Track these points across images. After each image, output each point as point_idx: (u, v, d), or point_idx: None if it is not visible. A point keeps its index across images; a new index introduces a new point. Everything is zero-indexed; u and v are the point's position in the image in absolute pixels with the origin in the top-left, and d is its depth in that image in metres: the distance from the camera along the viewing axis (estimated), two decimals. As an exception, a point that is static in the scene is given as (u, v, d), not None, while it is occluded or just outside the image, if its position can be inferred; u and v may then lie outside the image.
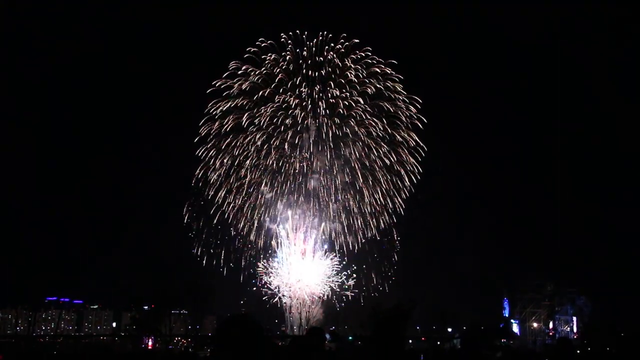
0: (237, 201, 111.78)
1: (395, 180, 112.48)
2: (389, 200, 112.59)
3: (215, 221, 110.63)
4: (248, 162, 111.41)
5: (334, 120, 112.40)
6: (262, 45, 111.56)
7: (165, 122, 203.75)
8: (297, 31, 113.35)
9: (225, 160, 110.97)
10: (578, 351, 71.66)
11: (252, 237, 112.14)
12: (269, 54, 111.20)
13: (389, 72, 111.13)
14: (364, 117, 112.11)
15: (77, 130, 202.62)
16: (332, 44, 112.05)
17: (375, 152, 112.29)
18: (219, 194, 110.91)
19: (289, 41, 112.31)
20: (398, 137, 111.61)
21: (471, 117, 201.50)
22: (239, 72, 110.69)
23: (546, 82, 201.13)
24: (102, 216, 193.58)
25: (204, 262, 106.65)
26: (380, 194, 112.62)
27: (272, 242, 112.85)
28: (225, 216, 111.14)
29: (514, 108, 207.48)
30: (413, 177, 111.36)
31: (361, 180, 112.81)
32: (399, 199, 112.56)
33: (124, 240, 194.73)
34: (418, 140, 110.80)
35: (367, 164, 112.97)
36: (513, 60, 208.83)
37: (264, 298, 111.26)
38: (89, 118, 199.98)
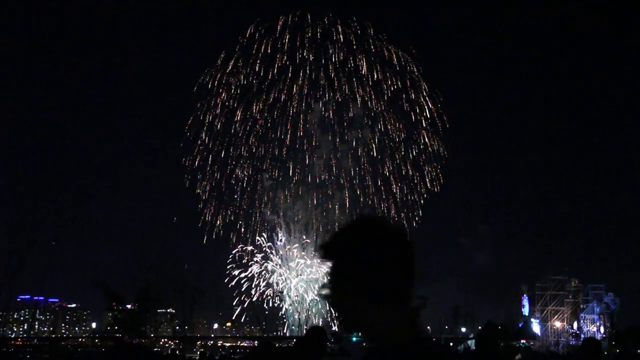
0: (227, 218, 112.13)
1: (412, 193, 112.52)
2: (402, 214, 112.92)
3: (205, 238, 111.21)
4: (239, 172, 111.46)
5: (342, 125, 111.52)
6: (257, 30, 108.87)
7: (153, 117, 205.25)
8: (298, 12, 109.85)
9: (214, 172, 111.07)
10: (606, 353, 71.96)
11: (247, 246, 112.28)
12: (265, 39, 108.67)
13: (408, 69, 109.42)
14: (379, 119, 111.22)
15: (52, 123, 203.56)
16: (340, 27, 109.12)
17: (389, 160, 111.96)
18: (206, 212, 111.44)
19: (288, 23, 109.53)
20: (419, 142, 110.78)
21: (489, 112, 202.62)
22: (229, 66, 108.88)
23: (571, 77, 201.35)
24: (81, 208, 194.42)
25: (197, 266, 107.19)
26: (394, 207, 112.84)
27: (272, 235, 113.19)
28: (215, 233, 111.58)
29: (535, 104, 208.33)
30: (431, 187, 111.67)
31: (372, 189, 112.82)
32: (415, 212, 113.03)
33: (105, 234, 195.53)
34: (439, 144, 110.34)
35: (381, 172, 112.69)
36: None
37: (256, 294, 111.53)
38: (69, 110, 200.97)
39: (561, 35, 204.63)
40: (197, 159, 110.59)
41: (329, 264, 1.99)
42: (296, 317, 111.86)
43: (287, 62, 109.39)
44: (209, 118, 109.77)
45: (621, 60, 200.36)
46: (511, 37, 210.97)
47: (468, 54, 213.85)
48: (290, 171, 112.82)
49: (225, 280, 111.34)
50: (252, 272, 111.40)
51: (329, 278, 1.99)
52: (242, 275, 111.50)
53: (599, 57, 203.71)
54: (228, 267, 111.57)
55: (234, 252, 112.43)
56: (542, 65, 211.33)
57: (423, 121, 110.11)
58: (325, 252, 2.03)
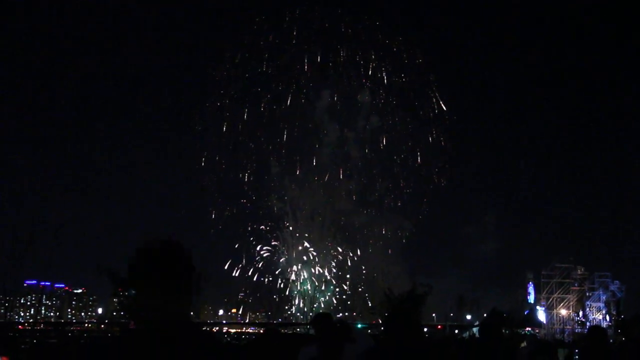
0: (235, 208, 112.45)
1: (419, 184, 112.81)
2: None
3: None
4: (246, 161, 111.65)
5: (350, 114, 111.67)
6: (265, 22, 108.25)
7: (160, 107, 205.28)
8: (305, 6, 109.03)
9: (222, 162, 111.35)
10: (612, 341, 72.04)
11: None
12: (272, 32, 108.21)
13: (417, 62, 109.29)
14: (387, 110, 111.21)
15: (58, 115, 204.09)
16: (347, 18, 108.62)
17: (397, 151, 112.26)
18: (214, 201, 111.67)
19: (296, 14, 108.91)
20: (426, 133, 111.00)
21: (494, 102, 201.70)
22: (236, 58, 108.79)
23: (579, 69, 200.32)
24: (87, 192, 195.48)
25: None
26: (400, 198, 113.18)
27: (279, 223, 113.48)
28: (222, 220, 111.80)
29: (538, 92, 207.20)
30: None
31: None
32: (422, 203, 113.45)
33: (111, 219, 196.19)
34: (446, 136, 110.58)
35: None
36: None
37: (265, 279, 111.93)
38: (77, 104, 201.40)
39: (563, 24, 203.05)
40: (205, 150, 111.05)
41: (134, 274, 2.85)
42: (302, 303, 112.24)
43: (295, 52, 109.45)
44: (217, 109, 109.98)
45: (627, 44, 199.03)
46: (518, 30, 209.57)
47: (475, 46, 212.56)
48: (298, 160, 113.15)
49: (228, 267, 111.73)
50: (259, 258, 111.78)
51: (133, 287, 2.86)
52: (250, 262, 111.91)
53: (604, 41, 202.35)
54: (235, 254, 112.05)
55: (241, 239, 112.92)
56: (551, 56, 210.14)
57: (430, 113, 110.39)
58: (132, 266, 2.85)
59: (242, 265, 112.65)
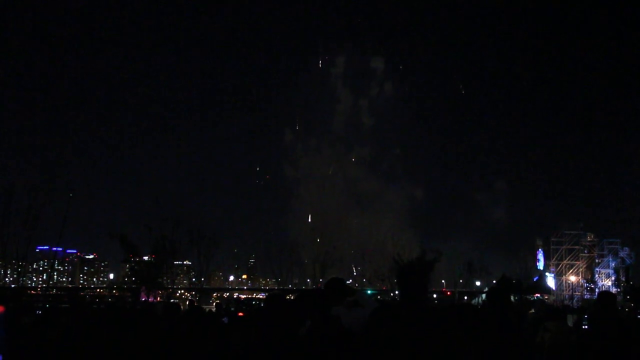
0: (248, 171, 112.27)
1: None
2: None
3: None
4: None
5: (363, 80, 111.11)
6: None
7: (173, 70, 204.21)
8: None
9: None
10: (620, 307, 72.23)
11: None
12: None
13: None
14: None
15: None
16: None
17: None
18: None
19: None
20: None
21: (502, 66, 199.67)
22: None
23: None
24: (98, 158, 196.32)
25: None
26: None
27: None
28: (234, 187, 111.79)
29: (553, 55, 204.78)
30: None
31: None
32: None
33: (121, 184, 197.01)
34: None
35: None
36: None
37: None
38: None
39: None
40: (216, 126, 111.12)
41: None
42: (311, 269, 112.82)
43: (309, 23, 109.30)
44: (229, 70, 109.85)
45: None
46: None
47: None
48: (311, 126, 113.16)
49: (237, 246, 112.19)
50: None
51: None
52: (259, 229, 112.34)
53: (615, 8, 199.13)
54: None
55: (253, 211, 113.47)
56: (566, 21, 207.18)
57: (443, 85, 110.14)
58: None
59: (253, 236, 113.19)
